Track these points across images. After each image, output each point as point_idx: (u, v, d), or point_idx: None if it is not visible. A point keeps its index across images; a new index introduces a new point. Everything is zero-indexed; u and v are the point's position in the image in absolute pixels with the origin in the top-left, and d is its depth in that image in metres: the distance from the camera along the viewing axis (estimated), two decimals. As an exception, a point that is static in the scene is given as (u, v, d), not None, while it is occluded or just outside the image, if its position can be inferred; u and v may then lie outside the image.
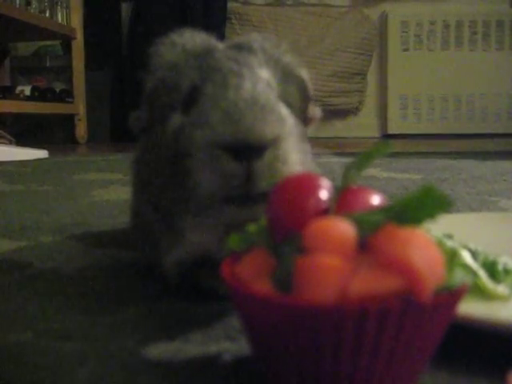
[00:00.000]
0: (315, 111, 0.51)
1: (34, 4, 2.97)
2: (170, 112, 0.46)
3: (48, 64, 3.49)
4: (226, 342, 0.39)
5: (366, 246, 0.27)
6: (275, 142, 0.41)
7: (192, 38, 0.50)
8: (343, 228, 0.27)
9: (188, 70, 0.46)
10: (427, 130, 3.65)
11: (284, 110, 0.44)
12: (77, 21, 3.28)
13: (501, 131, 3.56)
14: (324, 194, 0.29)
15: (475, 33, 3.69)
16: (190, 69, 0.46)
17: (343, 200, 0.29)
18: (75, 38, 3.26)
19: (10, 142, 2.42)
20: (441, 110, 3.68)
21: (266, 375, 0.31)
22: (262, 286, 0.28)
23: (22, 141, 2.62)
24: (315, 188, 0.30)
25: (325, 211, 0.29)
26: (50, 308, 0.47)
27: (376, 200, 0.30)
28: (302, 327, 0.26)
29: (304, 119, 0.50)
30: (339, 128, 3.68)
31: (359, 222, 0.28)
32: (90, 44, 3.38)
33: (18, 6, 2.83)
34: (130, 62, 3.48)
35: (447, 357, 0.35)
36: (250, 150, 0.40)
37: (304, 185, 0.30)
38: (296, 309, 0.26)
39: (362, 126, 3.74)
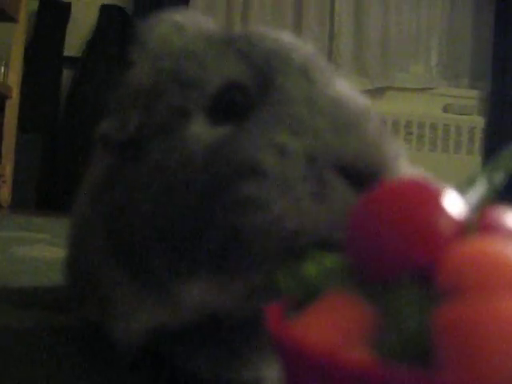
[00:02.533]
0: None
1: (-29, 58, 2.84)
2: (183, 118, 0.31)
3: (-22, 120, 3.30)
4: None
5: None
6: (393, 163, 0.29)
7: (199, 20, 0.36)
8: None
9: (216, 61, 0.31)
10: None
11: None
12: (15, 79, 3.17)
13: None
14: (457, 207, 0.17)
15: (410, 133, 3.80)
16: (220, 59, 0.31)
17: (487, 218, 0.17)
18: (10, 97, 3.13)
19: None
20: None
21: None
22: (362, 356, 0.15)
23: None
24: (439, 197, 0.17)
25: (462, 233, 0.17)
26: None
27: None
28: None
29: None
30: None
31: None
32: (25, 105, 3.25)
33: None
34: (65, 129, 3.36)
35: None
36: (371, 174, 0.27)
37: (423, 193, 0.17)
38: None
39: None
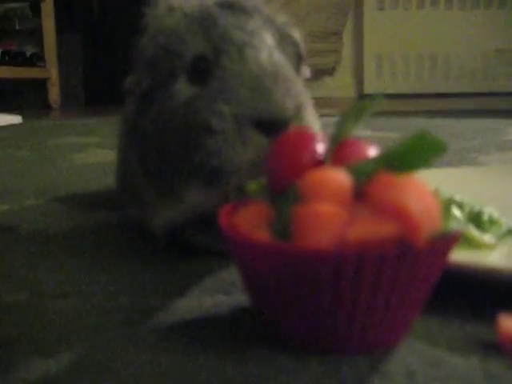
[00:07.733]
0: (306, 71, 0.52)
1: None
2: (172, 78, 0.46)
3: (17, 27, 3.39)
4: (221, 295, 0.40)
5: (362, 194, 0.28)
6: (297, 112, 0.43)
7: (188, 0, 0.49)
8: (338, 177, 0.28)
9: (191, 37, 0.46)
10: (403, 89, 3.66)
11: (296, 76, 0.46)
12: (46, -19, 3.18)
13: (475, 90, 3.58)
14: (319, 147, 0.30)
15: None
16: (194, 36, 0.46)
17: (339, 152, 0.30)
18: (45, 0, 3.17)
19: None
20: (416, 70, 3.69)
21: (262, 325, 0.32)
22: (261, 236, 0.29)
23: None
24: (310, 141, 0.30)
25: (320, 163, 0.29)
26: (43, 268, 0.47)
27: (371, 151, 0.31)
28: (301, 273, 0.27)
29: None
30: (315, 88, 3.66)
31: (354, 172, 0.28)
32: (60, 6, 3.30)
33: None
34: (101, 24, 3.41)
35: (438, 303, 0.36)
36: (278, 125, 0.41)
37: (299, 139, 0.30)
38: (296, 255, 0.27)
39: (338, 86, 3.73)
